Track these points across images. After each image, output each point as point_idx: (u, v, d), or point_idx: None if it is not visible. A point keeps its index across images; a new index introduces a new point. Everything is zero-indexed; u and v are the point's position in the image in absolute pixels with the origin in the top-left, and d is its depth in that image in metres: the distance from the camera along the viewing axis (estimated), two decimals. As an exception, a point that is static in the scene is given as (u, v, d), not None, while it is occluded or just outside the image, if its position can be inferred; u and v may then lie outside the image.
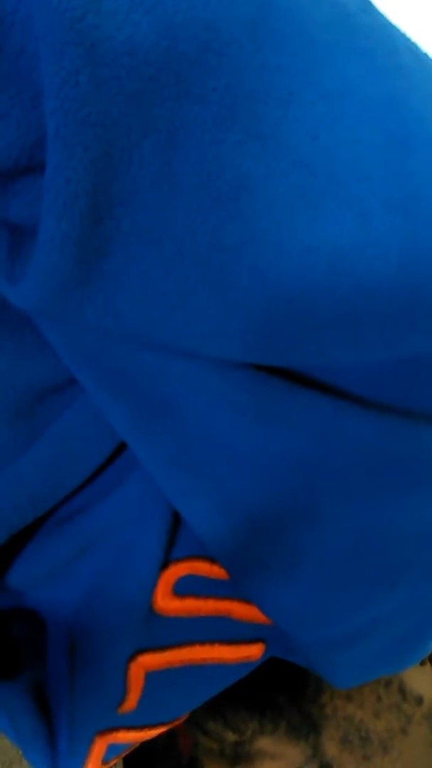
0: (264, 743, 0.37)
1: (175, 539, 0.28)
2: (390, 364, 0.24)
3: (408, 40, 0.23)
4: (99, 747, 0.30)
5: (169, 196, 0.19)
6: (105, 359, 0.23)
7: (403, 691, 0.39)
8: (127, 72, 0.17)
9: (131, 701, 0.30)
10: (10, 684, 0.29)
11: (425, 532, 0.28)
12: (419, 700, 0.39)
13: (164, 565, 0.28)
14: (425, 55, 0.24)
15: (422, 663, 0.41)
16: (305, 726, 0.37)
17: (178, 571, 0.28)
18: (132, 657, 0.29)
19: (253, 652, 0.31)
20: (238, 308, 0.20)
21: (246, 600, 0.30)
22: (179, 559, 0.28)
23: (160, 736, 0.33)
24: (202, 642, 0.30)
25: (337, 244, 0.20)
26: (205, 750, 0.38)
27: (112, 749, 0.31)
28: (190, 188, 0.19)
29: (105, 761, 0.31)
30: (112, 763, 0.32)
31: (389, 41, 0.22)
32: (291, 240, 0.20)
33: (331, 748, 0.38)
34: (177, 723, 0.33)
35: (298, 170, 0.20)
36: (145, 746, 0.34)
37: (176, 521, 0.28)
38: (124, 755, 0.32)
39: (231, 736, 0.37)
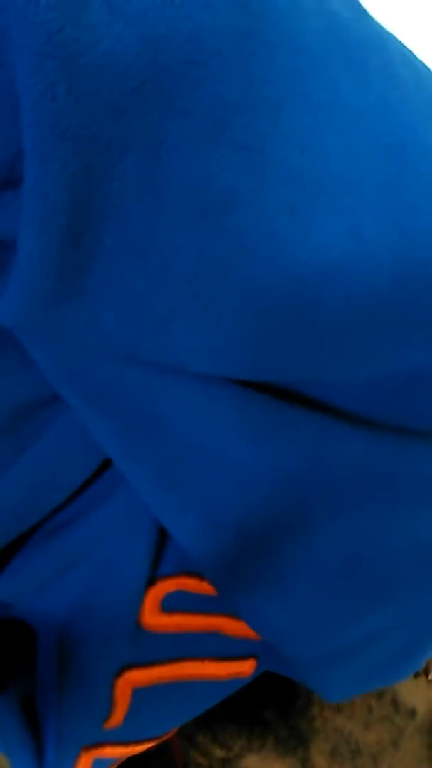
0: (251, 761, 0.37)
1: (162, 556, 0.27)
2: (381, 380, 0.24)
3: (403, 48, 0.23)
4: (84, 761, 0.30)
5: (153, 211, 0.18)
6: (89, 375, 0.22)
7: (396, 703, 0.39)
8: (107, 85, 0.16)
9: (117, 717, 0.29)
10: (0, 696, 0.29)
11: (417, 548, 0.28)
12: (412, 713, 0.39)
13: (151, 582, 0.27)
14: (421, 64, 0.23)
15: (416, 675, 0.40)
16: (293, 740, 0.37)
17: (165, 587, 0.28)
18: (119, 673, 0.29)
19: (245, 668, 0.31)
20: (224, 323, 0.20)
21: (236, 616, 0.29)
22: (167, 576, 0.28)
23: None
24: (191, 658, 0.30)
25: (327, 257, 0.20)
26: (193, 763, 0.37)
27: (99, 764, 0.30)
28: (175, 203, 0.18)
29: None
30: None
31: (383, 50, 0.21)
32: (279, 254, 0.19)
33: (320, 761, 0.37)
34: (165, 738, 0.32)
35: (286, 183, 0.19)
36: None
37: (163, 537, 0.27)
38: None
39: (219, 752, 0.36)
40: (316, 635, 0.29)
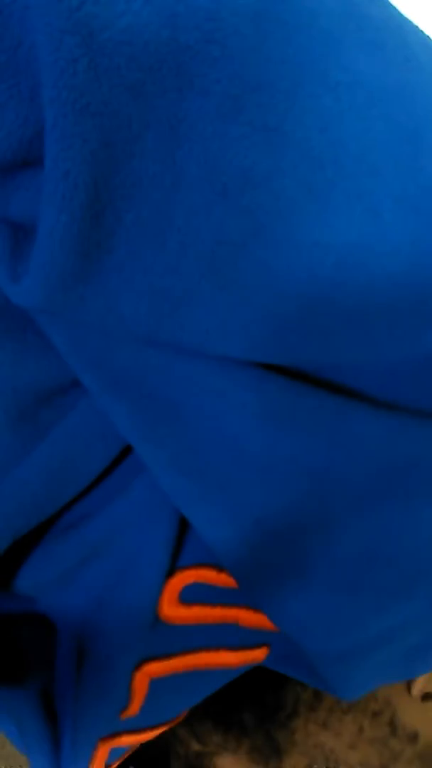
0: (225, 761, 0.36)
1: (181, 546, 0.27)
2: (401, 363, 0.24)
3: (419, 32, 0.23)
4: (102, 752, 0.30)
5: (172, 190, 0.18)
6: (109, 360, 0.22)
7: (393, 725, 0.37)
8: (126, 61, 0.16)
9: (134, 707, 0.29)
10: (19, 689, 0.29)
11: None
12: (413, 738, 0.37)
13: (170, 573, 0.27)
14: None
15: (424, 698, 0.38)
16: (267, 749, 0.36)
17: (184, 578, 0.28)
18: (138, 666, 0.29)
19: (257, 655, 0.31)
20: (243, 304, 0.20)
21: (254, 607, 0.29)
22: (186, 567, 0.27)
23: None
24: (207, 649, 0.30)
25: (345, 238, 0.20)
26: (173, 752, 0.37)
27: (115, 752, 0.30)
28: (193, 182, 0.18)
29: (108, 765, 0.31)
30: (113, 767, 0.31)
31: (399, 33, 0.21)
32: (298, 234, 0.19)
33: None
34: (176, 722, 0.32)
35: (305, 163, 0.19)
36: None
37: (183, 528, 0.27)
38: (126, 756, 0.32)
39: (195, 745, 0.36)
40: (335, 629, 0.29)
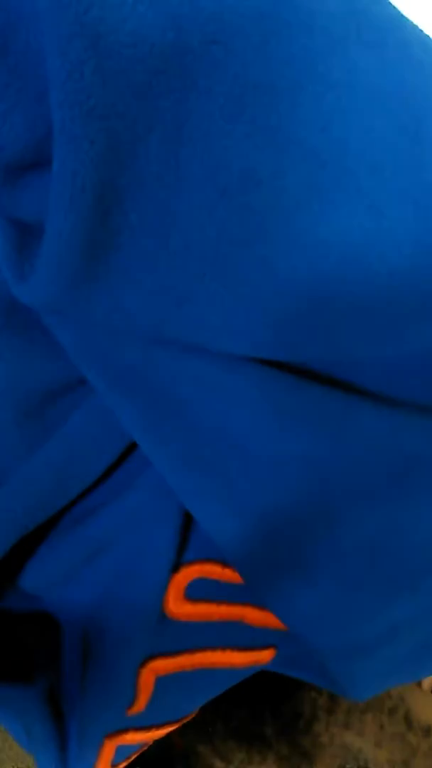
0: None
1: (186, 541, 0.28)
2: (405, 358, 0.24)
3: (419, 32, 0.23)
4: (108, 750, 0.30)
5: (176, 189, 0.18)
6: (115, 358, 0.22)
7: (408, 720, 0.38)
8: (132, 64, 0.17)
9: (140, 704, 0.29)
10: (25, 688, 0.29)
11: None
12: (426, 731, 0.38)
13: (175, 568, 0.27)
14: None
15: None
16: (296, 756, 0.36)
17: (189, 574, 0.28)
18: (143, 663, 0.29)
19: (263, 656, 0.31)
20: (248, 302, 0.20)
21: (260, 605, 0.29)
22: (191, 562, 0.28)
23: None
24: (213, 648, 0.30)
25: (348, 235, 0.20)
26: None
27: (121, 751, 0.30)
28: (197, 181, 0.18)
29: (114, 764, 0.31)
30: (121, 767, 0.32)
31: (400, 32, 0.21)
32: (301, 232, 0.20)
33: (326, 778, 0.36)
34: (184, 721, 0.32)
35: (307, 162, 0.19)
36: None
37: (188, 523, 0.27)
38: (133, 757, 0.32)
39: (219, 764, 0.36)
40: (341, 624, 0.29)
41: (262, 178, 0.19)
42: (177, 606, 0.28)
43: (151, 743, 0.33)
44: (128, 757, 0.32)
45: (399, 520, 0.27)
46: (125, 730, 0.30)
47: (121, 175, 0.18)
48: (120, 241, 0.18)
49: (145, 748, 0.33)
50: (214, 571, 0.28)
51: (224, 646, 0.30)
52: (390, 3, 0.22)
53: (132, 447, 0.26)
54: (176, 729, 0.33)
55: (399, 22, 0.22)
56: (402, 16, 0.22)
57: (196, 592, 0.28)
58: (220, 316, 0.20)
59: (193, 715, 0.33)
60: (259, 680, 0.32)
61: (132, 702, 0.29)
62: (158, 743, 0.33)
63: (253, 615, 0.29)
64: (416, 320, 0.22)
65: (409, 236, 0.20)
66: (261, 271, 0.20)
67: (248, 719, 0.36)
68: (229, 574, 0.28)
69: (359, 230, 0.20)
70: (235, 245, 0.19)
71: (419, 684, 0.39)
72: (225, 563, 0.28)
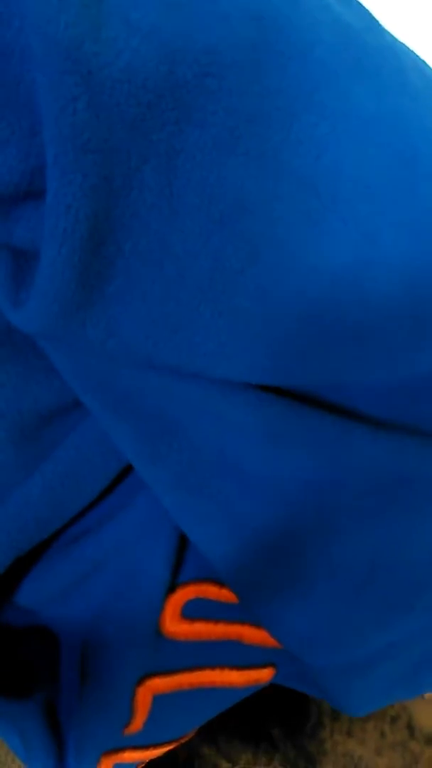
0: None
1: (182, 562, 0.28)
2: (398, 383, 0.24)
3: (415, 57, 0.23)
4: (105, 767, 0.30)
5: (170, 219, 0.18)
6: (110, 382, 0.23)
7: (411, 728, 0.38)
8: (126, 98, 0.17)
9: (137, 723, 0.29)
10: (23, 703, 0.29)
11: None
12: (429, 740, 0.38)
13: (171, 589, 0.27)
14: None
15: None
16: (301, 760, 0.36)
17: (186, 594, 0.28)
18: (140, 681, 0.29)
19: (263, 675, 0.31)
20: (241, 328, 0.20)
21: (257, 624, 0.29)
22: (187, 582, 0.28)
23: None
24: (211, 666, 0.30)
25: (342, 262, 0.20)
26: None
27: None
28: (191, 211, 0.19)
29: None
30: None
31: (394, 59, 0.21)
32: (294, 260, 0.20)
33: (328, 784, 0.37)
34: (182, 741, 0.32)
35: (301, 191, 0.19)
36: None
37: (183, 544, 0.27)
38: None
39: (224, 764, 0.36)
40: (337, 644, 0.29)
41: (256, 206, 0.19)
42: (174, 625, 0.28)
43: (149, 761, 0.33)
44: None
45: (392, 543, 0.27)
46: (122, 748, 0.30)
47: (114, 206, 0.18)
48: (114, 271, 0.19)
49: (142, 766, 0.33)
50: (210, 591, 0.28)
51: (222, 665, 0.30)
52: (385, 30, 0.22)
53: (128, 469, 0.26)
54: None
55: (394, 49, 0.22)
56: (397, 42, 0.22)
57: (193, 611, 0.28)
58: (214, 344, 0.20)
59: (211, 734, 0.33)
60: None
61: (129, 721, 0.29)
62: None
63: (250, 634, 0.29)
64: (410, 345, 0.22)
65: (403, 263, 0.20)
66: (255, 298, 0.20)
67: (256, 722, 0.36)
68: (225, 594, 0.28)
69: (353, 257, 0.20)
70: (230, 273, 0.19)
71: (421, 694, 0.39)
72: (221, 583, 0.28)
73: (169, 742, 0.31)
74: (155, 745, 0.31)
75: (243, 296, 0.20)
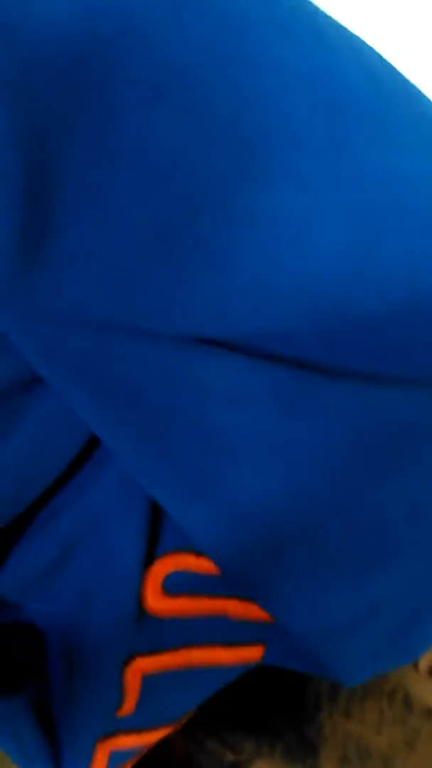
0: (262, 766, 0.36)
1: (158, 534, 0.28)
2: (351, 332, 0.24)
3: (332, 20, 0.24)
4: (101, 755, 0.29)
5: (108, 174, 0.19)
6: (66, 349, 0.23)
7: (408, 703, 0.38)
8: (53, 56, 0.17)
9: (129, 705, 0.29)
10: (12, 700, 0.29)
11: (415, 512, 0.28)
12: (428, 714, 0.38)
13: (149, 561, 0.27)
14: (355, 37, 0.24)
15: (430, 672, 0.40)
16: (302, 748, 0.36)
17: (164, 566, 0.28)
18: (127, 661, 0.29)
19: (252, 653, 0.31)
20: (188, 282, 0.21)
21: (240, 597, 0.29)
22: (164, 554, 0.28)
23: (155, 746, 0.32)
24: (198, 645, 0.30)
25: (280, 211, 0.21)
26: (204, 765, 0.37)
27: (115, 757, 0.30)
28: (128, 165, 0.19)
29: None
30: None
31: (310, 19, 0.23)
32: (234, 211, 0.20)
33: (328, 768, 0.36)
34: (179, 725, 0.32)
35: (232, 141, 0.20)
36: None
37: (157, 516, 0.27)
38: (130, 765, 0.32)
39: (229, 756, 0.36)
40: (319, 605, 0.29)
41: (191, 158, 0.20)
42: (156, 601, 0.28)
43: (146, 750, 0.32)
44: (124, 764, 0.31)
45: (368, 500, 0.27)
46: (116, 732, 0.29)
47: (50, 162, 0.18)
48: (55, 227, 0.19)
49: (141, 756, 0.32)
50: (188, 561, 0.28)
51: (209, 643, 0.30)
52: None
53: (94, 443, 0.26)
54: (177, 730, 0.33)
55: (310, 9, 0.23)
56: (313, 5, 0.24)
57: (175, 586, 0.28)
58: (164, 298, 0.21)
59: (190, 717, 0.33)
60: (263, 667, 0.32)
61: (120, 703, 0.29)
62: (157, 750, 0.33)
63: (235, 608, 0.29)
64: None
65: (339, 209, 0.21)
66: (199, 250, 0.20)
67: (257, 710, 0.36)
68: (204, 564, 0.28)
69: (289, 206, 0.21)
70: (173, 226, 0.20)
71: (416, 668, 0.39)
72: (199, 553, 0.28)
73: (164, 725, 0.31)
74: (149, 729, 0.30)
75: (188, 249, 0.20)
